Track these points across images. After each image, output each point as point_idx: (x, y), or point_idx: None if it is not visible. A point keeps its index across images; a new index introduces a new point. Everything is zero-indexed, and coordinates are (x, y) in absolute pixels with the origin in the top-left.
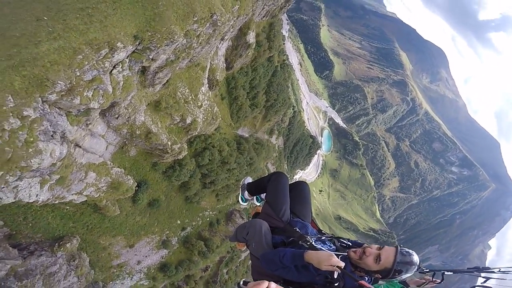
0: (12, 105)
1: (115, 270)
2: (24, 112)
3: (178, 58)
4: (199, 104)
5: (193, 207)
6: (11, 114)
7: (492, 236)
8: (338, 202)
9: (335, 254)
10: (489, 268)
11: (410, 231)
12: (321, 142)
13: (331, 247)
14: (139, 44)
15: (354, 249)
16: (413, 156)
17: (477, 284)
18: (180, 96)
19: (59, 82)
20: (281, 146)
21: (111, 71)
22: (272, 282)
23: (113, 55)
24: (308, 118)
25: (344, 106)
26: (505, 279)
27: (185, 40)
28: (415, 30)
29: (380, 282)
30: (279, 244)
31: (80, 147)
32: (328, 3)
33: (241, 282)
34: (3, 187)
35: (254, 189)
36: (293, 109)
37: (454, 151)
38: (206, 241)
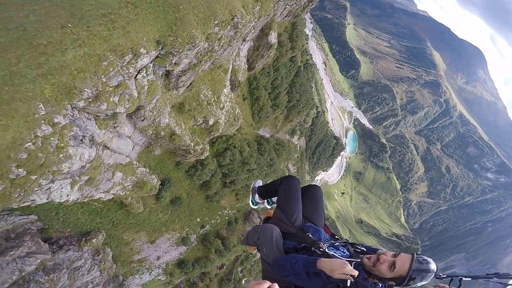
0: (43, 113)
1: (135, 265)
2: (55, 119)
3: (201, 62)
4: (221, 105)
5: (213, 206)
6: (43, 121)
7: None
8: (360, 205)
9: (349, 260)
10: (510, 274)
11: (436, 238)
12: (345, 143)
13: (344, 253)
14: (161, 49)
15: (368, 256)
16: (444, 161)
17: None
18: (203, 98)
19: (86, 89)
20: (303, 147)
21: (135, 76)
22: (275, 284)
23: (137, 60)
24: (332, 119)
25: (371, 106)
26: None
27: (206, 43)
28: (449, 29)
29: None
30: (291, 250)
31: (108, 148)
32: (354, 2)
33: (244, 282)
34: (37, 190)
35: (264, 192)
36: (316, 109)
37: (490, 157)
38: (223, 239)
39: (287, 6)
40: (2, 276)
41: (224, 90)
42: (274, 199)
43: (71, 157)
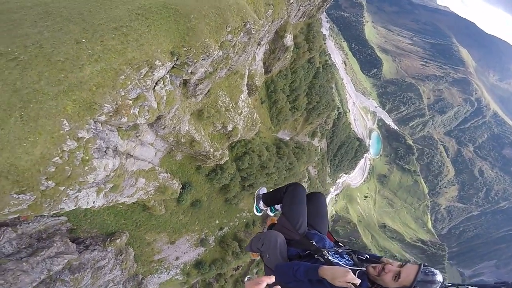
0: (68, 129)
1: (155, 264)
2: (78, 134)
3: (216, 70)
4: (239, 111)
5: (231, 208)
6: (68, 137)
7: None
8: (384, 209)
9: (353, 269)
10: None
11: (465, 244)
12: (369, 145)
13: (349, 261)
14: (176, 60)
15: (374, 265)
16: (477, 163)
17: None
18: (221, 104)
19: (105, 105)
20: (324, 149)
21: (153, 88)
22: (277, 286)
23: (153, 72)
24: (354, 119)
25: (395, 106)
26: None
27: (220, 52)
28: (475, 24)
29: None
30: (294, 257)
31: (131, 156)
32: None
33: (246, 279)
34: (65, 199)
35: (269, 199)
36: (337, 110)
37: None
38: (240, 242)
39: (300, 8)
40: (32, 275)
41: (242, 95)
42: (277, 206)
43: (95, 169)
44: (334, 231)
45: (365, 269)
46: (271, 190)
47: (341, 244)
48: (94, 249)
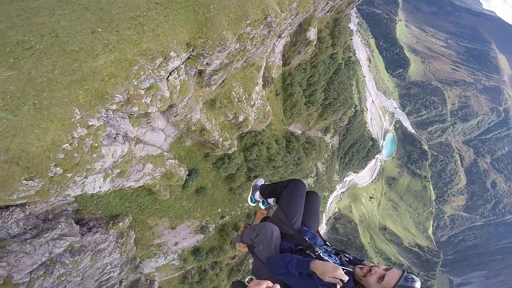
0: (79, 117)
1: (154, 249)
2: (89, 122)
3: (232, 61)
4: (252, 103)
5: (235, 198)
6: (78, 124)
7: None
8: (388, 212)
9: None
10: None
11: (461, 253)
12: (382, 146)
13: (336, 261)
14: (192, 51)
15: (361, 266)
16: (492, 175)
17: None
18: (234, 95)
19: (117, 95)
20: (335, 146)
21: (167, 78)
22: (276, 284)
23: (168, 63)
24: (371, 118)
25: (416, 109)
26: None
27: (238, 44)
28: None
29: None
30: (286, 251)
31: (141, 141)
32: None
33: (247, 280)
34: (72, 186)
35: (268, 192)
36: (354, 108)
37: None
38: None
39: (329, 1)
40: (34, 257)
41: (256, 88)
42: (270, 200)
43: (103, 156)
44: (334, 228)
45: (351, 269)
46: (271, 182)
47: (329, 244)
48: (97, 232)
